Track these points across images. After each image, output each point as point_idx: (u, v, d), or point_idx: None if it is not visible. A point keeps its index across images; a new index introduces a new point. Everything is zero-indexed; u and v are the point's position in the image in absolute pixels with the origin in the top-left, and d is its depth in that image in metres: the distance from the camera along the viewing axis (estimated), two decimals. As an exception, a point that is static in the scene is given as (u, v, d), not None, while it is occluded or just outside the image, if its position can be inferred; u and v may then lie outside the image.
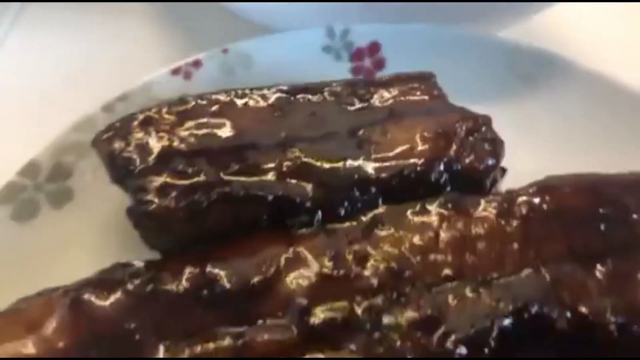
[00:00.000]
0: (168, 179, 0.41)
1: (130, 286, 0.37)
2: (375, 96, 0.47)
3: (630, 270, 0.39)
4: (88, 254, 0.46)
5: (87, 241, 0.48)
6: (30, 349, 0.35)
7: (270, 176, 0.41)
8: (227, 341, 0.36)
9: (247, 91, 0.47)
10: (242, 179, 0.41)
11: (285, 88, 0.48)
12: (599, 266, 0.39)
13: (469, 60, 0.56)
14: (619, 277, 0.38)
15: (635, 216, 0.40)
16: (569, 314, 0.37)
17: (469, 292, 0.38)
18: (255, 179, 0.41)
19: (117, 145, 0.43)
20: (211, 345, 0.36)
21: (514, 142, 0.47)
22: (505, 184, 0.47)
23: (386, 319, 0.37)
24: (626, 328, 0.37)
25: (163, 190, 0.41)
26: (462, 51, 0.56)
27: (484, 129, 0.45)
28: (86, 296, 0.37)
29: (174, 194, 0.40)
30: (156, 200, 0.40)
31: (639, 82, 0.54)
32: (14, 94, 0.60)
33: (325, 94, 0.47)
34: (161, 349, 0.35)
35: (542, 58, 0.55)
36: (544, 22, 0.64)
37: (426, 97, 0.47)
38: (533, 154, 0.51)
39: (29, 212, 0.48)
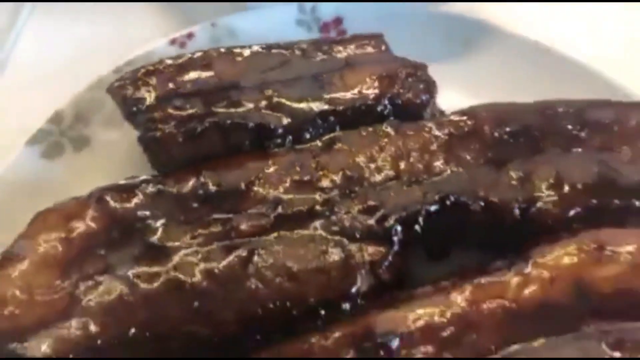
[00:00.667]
0: (169, 112, 0.52)
1: (141, 189, 0.48)
2: (335, 50, 0.58)
3: (531, 170, 0.50)
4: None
5: (102, 178, 0.58)
6: (69, 232, 0.45)
7: (251, 109, 0.53)
8: (218, 226, 0.47)
9: (231, 48, 0.58)
10: (228, 110, 0.52)
11: (263, 45, 0.59)
12: (507, 169, 0.50)
13: (415, 30, 0.68)
14: (522, 176, 0.49)
15: (536, 132, 0.52)
16: (482, 202, 0.48)
17: (403, 187, 0.49)
18: (238, 110, 0.52)
19: (128, 90, 0.54)
20: (206, 229, 0.47)
21: (452, 89, 0.59)
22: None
23: (340, 208, 0.48)
24: (526, 211, 0.48)
25: (165, 120, 0.52)
26: (409, 23, 0.68)
27: (419, 72, 0.56)
28: (109, 196, 0.48)
29: (173, 123, 0.51)
30: (160, 128, 0.51)
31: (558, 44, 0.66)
32: (41, 63, 0.70)
33: (295, 49, 0.58)
34: (167, 229, 0.46)
35: (473, 25, 0.66)
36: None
37: (375, 51, 0.58)
38: (467, 99, 0.63)
39: (56, 152, 0.59)
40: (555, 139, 0.52)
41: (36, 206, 0.52)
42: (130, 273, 0.44)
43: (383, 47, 0.59)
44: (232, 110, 0.52)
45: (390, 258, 0.46)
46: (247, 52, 0.58)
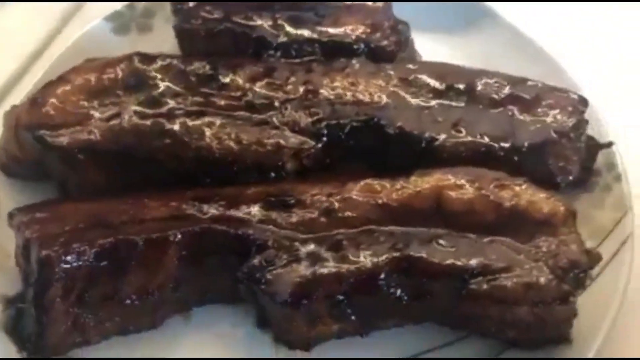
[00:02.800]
0: (200, 13, 0.69)
1: (160, 59, 0.67)
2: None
3: (447, 114, 0.63)
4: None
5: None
6: (102, 73, 0.64)
7: (258, 25, 0.69)
8: (203, 97, 0.64)
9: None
10: (243, 21, 0.69)
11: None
12: (429, 109, 0.63)
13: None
14: (437, 117, 0.63)
15: (465, 90, 0.65)
16: (397, 129, 0.62)
17: (345, 107, 0.63)
18: (249, 22, 0.69)
19: None
20: (194, 97, 0.64)
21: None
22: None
23: (293, 108, 0.63)
24: (430, 142, 0.61)
25: (195, 17, 0.70)
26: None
27: (399, 27, 0.70)
28: (136, 58, 0.66)
29: (200, 21, 0.69)
30: (190, 22, 0.69)
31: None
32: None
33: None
34: (168, 89, 0.64)
35: (476, 10, 0.78)
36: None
37: (375, 4, 0.72)
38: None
39: (123, 31, 0.78)
40: (478, 97, 0.64)
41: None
42: (132, 108, 0.62)
43: (383, 3, 0.73)
44: (245, 22, 0.69)
45: (312, 150, 0.61)
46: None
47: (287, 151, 0.61)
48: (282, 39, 0.69)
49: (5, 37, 0.84)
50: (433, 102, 0.64)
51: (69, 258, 0.52)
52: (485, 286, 0.51)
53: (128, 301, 0.55)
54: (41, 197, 0.63)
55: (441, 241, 0.54)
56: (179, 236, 0.55)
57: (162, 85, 0.65)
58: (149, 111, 0.62)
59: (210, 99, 0.64)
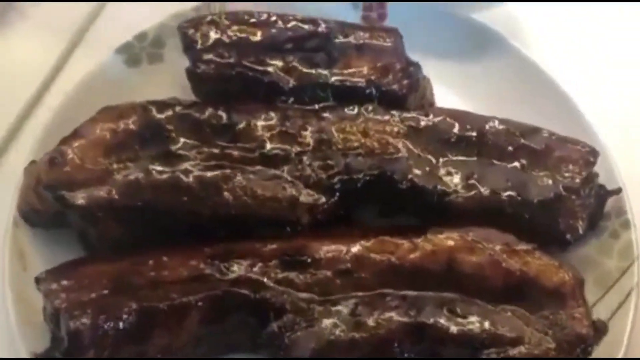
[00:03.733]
0: (211, 57, 0.69)
1: (175, 108, 0.67)
2: (354, 35, 0.73)
3: (458, 168, 0.64)
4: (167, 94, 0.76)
5: (167, 89, 0.77)
6: (118, 125, 0.65)
7: (270, 69, 0.69)
8: (218, 149, 0.65)
9: (277, 15, 0.74)
10: (254, 66, 0.69)
11: (303, 17, 0.74)
12: (440, 162, 0.64)
13: (442, 30, 0.80)
14: (449, 170, 0.64)
15: (476, 140, 0.66)
16: (409, 182, 0.63)
17: (357, 158, 0.65)
18: (260, 68, 0.69)
19: (190, 30, 0.72)
20: (209, 149, 0.65)
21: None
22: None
23: (307, 160, 0.64)
24: (441, 197, 0.62)
25: (207, 62, 0.70)
26: (439, 23, 0.81)
27: (411, 69, 0.70)
28: (152, 107, 0.67)
29: (213, 65, 0.69)
30: (201, 66, 0.69)
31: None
32: None
33: (324, 26, 0.73)
34: (184, 143, 0.65)
35: (486, 34, 0.78)
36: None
37: (386, 42, 0.72)
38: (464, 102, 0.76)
39: (135, 63, 0.78)
40: (489, 149, 0.65)
41: (111, 100, 0.73)
42: (149, 165, 0.63)
43: (394, 40, 0.73)
44: (256, 67, 0.69)
45: (326, 205, 0.63)
46: (287, 20, 0.74)
47: (303, 206, 0.63)
48: (293, 83, 0.69)
49: (10, 66, 0.84)
50: (445, 155, 0.65)
51: (97, 328, 0.55)
52: (494, 357, 0.54)
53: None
54: (63, 245, 0.66)
55: (453, 307, 0.56)
56: (200, 301, 0.58)
57: (178, 138, 0.65)
58: (164, 167, 0.64)
59: (225, 152, 0.65)
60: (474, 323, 0.55)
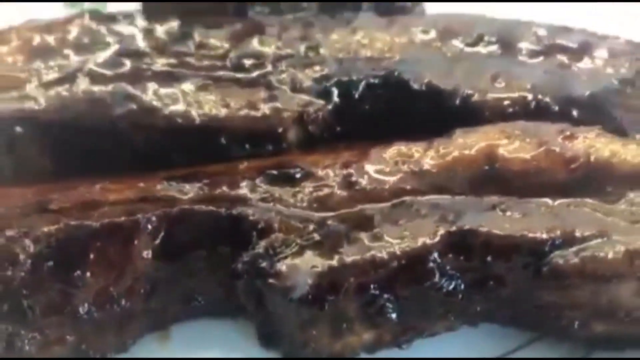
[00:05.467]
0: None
1: (126, 20, 0.54)
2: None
3: (483, 66, 0.51)
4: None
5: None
6: (49, 32, 0.51)
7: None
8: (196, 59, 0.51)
9: None
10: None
11: None
12: (462, 62, 0.51)
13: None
14: (473, 69, 0.51)
15: (503, 41, 0.53)
16: (425, 85, 0.49)
17: (355, 62, 0.51)
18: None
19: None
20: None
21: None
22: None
23: (293, 65, 0.51)
24: (467, 98, 0.49)
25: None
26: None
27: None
28: (91, 17, 0.53)
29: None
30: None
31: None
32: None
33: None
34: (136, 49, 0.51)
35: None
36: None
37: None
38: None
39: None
40: (517, 49, 0.52)
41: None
42: (85, 72, 0.48)
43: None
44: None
45: (320, 112, 0.48)
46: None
47: (289, 115, 0.48)
48: None
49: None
50: (464, 53, 0.52)
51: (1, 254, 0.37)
52: (574, 259, 0.38)
53: (84, 313, 0.40)
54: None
55: (504, 207, 0.41)
56: (152, 221, 0.41)
57: (124, 45, 0.51)
58: (107, 72, 0.49)
59: (184, 59, 0.51)
60: (536, 222, 0.40)
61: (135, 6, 0.58)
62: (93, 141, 0.47)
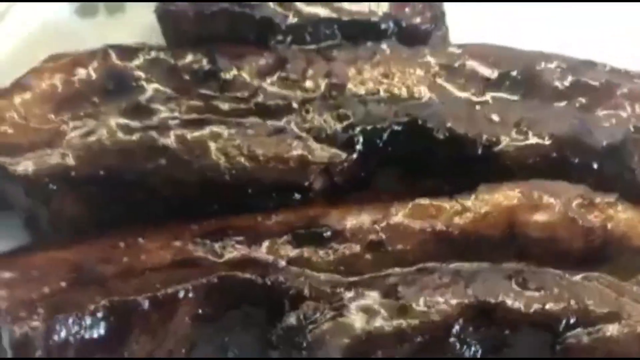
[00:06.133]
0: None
1: (144, 53, 0.53)
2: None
3: (505, 111, 0.51)
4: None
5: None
6: (72, 75, 0.51)
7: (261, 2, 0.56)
8: (201, 100, 0.51)
9: None
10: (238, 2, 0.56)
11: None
12: (482, 106, 0.52)
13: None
14: (494, 115, 0.51)
15: (523, 78, 0.53)
16: (447, 132, 0.50)
17: (379, 103, 0.51)
18: (249, 3, 0.55)
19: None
20: (190, 101, 0.51)
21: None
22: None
23: (315, 110, 0.51)
24: (488, 148, 0.50)
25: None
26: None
27: (433, 1, 0.57)
28: (114, 52, 0.52)
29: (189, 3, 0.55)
30: (173, 3, 0.55)
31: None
32: None
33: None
34: (156, 93, 0.51)
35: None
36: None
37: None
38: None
39: (90, 12, 0.64)
40: (539, 89, 0.53)
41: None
42: (113, 122, 0.49)
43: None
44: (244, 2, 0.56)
45: (346, 164, 0.49)
46: None
47: (315, 167, 0.49)
48: (292, 19, 0.56)
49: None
50: (487, 96, 0.52)
51: (52, 335, 0.40)
52: (586, 339, 0.41)
53: (131, 378, 0.43)
54: (4, 236, 0.51)
55: (522, 280, 0.44)
56: (191, 291, 0.44)
57: (149, 88, 0.51)
58: (135, 123, 0.50)
59: (211, 103, 0.51)
60: (552, 297, 0.42)
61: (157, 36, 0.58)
62: (125, 194, 0.48)
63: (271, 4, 0.55)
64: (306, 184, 0.49)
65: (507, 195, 0.47)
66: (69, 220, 0.49)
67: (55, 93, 0.50)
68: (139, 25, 0.63)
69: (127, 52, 0.53)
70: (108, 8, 0.65)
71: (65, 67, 0.51)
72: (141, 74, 0.52)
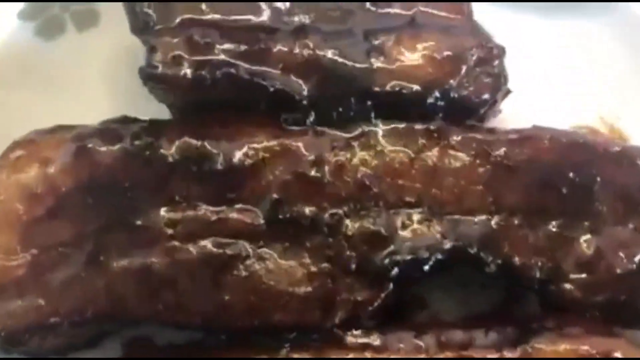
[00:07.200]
0: (180, 50, 0.43)
1: (130, 145, 0.42)
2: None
3: (570, 236, 0.42)
4: (104, 82, 0.50)
5: (105, 70, 0.51)
6: (39, 181, 0.40)
7: (276, 67, 0.43)
8: (205, 213, 0.41)
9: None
10: (248, 66, 0.43)
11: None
12: (545, 225, 0.43)
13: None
14: (558, 240, 0.42)
15: (597, 187, 0.43)
16: (501, 262, 0.42)
17: (421, 221, 0.42)
18: (260, 68, 0.43)
19: (142, 4, 0.44)
20: (191, 214, 0.41)
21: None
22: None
23: (343, 228, 0.42)
24: (545, 285, 0.42)
25: (174, 58, 0.43)
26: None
27: (494, 62, 0.45)
28: (91, 145, 0.41)
29: (184, 62, 0.43)
30: (166, 66, 0.43)
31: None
32: None
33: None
34: (150, 206, 0.41)
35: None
36: None
37: (451, 13, 0.46)
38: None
39: (54, 31, 0.50)
40: (615, 204, 0.43)
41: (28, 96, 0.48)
42: (96, 250, 0.40)
43: (464, 8, 0.47)
44: (252, 66, 0.43)
45: (377, 303, 0.41)
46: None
47: (339, 307, 0.41)
48: (314, 90, 0.43)
49: None
50: (548, 212, 0.42)
51: None
52: None
53: None
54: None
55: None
56: None
57: (139, 198, 0.40)
58: (124, 249, 0.39)
59: (213, 218, 0.41)
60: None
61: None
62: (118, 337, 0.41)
63: (289, 70, 0.43)
64: (329, 324, 0.41)
65: (567, 351, 0.40)
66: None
67: (21, 213, 0.40)
68: (116, 41, 0.51)
69: (108, 141, 0.42)
70: (77, 24, 0.51)
71: (29, 168, 0.40)
72: (128, 176, 0.41)
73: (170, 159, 0.42)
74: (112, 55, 0.51)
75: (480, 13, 0.50)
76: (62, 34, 0.50)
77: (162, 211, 0.41)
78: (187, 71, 0.43)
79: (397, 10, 0.46)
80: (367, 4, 0.46)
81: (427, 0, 0.46)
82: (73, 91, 0.49)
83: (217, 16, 0.44)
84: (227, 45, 0.43)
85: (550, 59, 0.54)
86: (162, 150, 0.42)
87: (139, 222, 0.40)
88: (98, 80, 0.50)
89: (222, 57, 0.43)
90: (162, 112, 0.47)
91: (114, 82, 0.50)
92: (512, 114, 0.49)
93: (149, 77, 0.43)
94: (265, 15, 0.44)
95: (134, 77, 0.46)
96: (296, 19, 0.45)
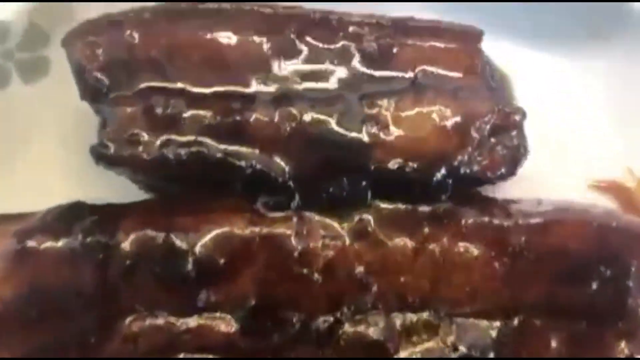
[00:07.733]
0: (137, 124, 0.36)
1: (80, 245, 0.35)
2: (403, 51, 0.39)
3: (597, 340, 0.36)
4: (55, 143, 0.43)
5: (56, 129, 0.43)
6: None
7: (254, 143, 0.36)
8: (168, 323, 0.35)
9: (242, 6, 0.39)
10: (219, 145, 0.36)
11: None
12: (570, 326, 0.36)
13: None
14: (583, 345, 0.36)
15: (631, 283, 0.37)
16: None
17: (426, 327, 0.36)
18: (234, 147, 0.36)
19: (91, 53, 0.37)
20: (152, 324, 0.35)
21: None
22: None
23: (336, 337, 0.35)
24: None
25: (130, 136, 0.36)
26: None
27: (514, 132, 0.38)
28: (34, 244, 0.35)
29: (141, 144, 0.36)
30: (120, 145, 0.36)
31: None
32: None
33: (341, 35, 0.39)
34: (103, 320, 0.34)
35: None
36: None
37: (462, 70, 0.39)
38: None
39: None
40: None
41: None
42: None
43: (476, 62, 0.39)
44: (228, 144, 0.36)
45: None
46: (281, 13, 0.39)
47: None
48: (298, 171, 0.36)
49: None
50: (578, 325, 0.36)
51: None
52: None
53: None
54: None
55: None
56: None
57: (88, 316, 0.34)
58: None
59: (185, 327, 0.35)
60: None
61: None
62: None
63: (269, 150, 0.36)
64: None
65: None
66: None
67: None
68: (66, 93, 0.43)
69: (54, 236, 0.35)
70: (23, 75, 0.44)
71: None
72: (74, 285, 0.34)
73: (128, 261, 0.35)
74: (65, 110, 0.44)
75: (492, 49, 0.43)
76: (6, 85, 0.43)
77: (121, 323, 0.35)
78: (145, 153, 0.36)
79: (399, 64, 0.38)
80: (361, 66, 0.38)
81: (432, 55, 0.38)
82: (20, 152, 0.42)
83: (183, 82, 0.37)
84: (194, 117, 0.37)
85: (569, 101, 0.48)
86: (118, 250, 0.35)
87: (92, 339, 0.34)
88: (48, 141, 0.43)
89: (188, 133, 0.36)
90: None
91: (67, 144, 0.43)
92: (528, 167, 0.43)
93: (100, 158, 0.36)
94: (241, 80, 0.37)
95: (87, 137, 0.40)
96: (273, 79, 0.38)
